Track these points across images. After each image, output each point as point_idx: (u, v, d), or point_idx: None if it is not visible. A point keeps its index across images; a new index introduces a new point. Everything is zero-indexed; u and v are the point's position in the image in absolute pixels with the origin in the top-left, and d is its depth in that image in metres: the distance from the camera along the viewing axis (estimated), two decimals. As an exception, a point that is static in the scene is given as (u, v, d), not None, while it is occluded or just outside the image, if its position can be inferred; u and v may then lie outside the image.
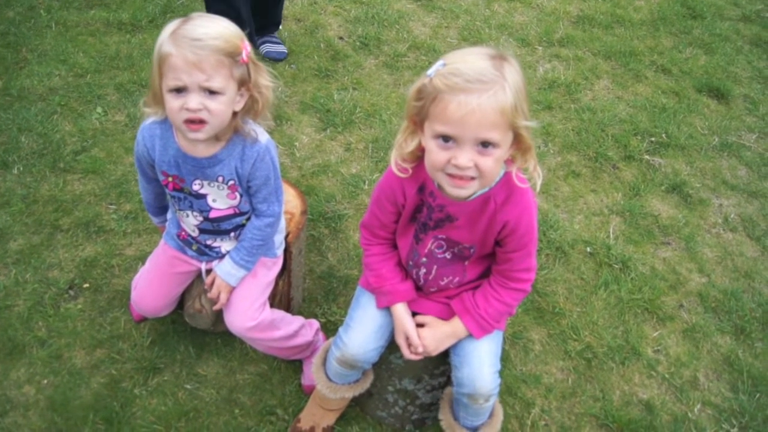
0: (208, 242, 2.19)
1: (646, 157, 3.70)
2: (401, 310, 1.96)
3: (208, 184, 2.03)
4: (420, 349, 1.93)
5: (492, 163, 1.62)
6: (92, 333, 2.55)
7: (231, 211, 2.11)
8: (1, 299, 2.61)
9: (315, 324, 2.45)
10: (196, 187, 2.04)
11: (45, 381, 2.39)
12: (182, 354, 2.52)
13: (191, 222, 2.14)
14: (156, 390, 2.40)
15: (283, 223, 2.27)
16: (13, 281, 2.68)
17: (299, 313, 2.68)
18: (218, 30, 1.77)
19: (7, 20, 4.10)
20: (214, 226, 2.14)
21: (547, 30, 4.69)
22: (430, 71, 1.61)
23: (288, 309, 2.57)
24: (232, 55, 1.78)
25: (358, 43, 4.31)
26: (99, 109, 3.52)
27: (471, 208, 1.79)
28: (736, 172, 3.71)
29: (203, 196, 2.07)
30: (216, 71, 1.76)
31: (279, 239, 2.25)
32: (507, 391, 2.50)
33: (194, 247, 2.22)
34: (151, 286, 2.29)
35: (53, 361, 2.45)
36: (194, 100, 1.77)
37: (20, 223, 2.90)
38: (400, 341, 1.95)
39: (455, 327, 1.96)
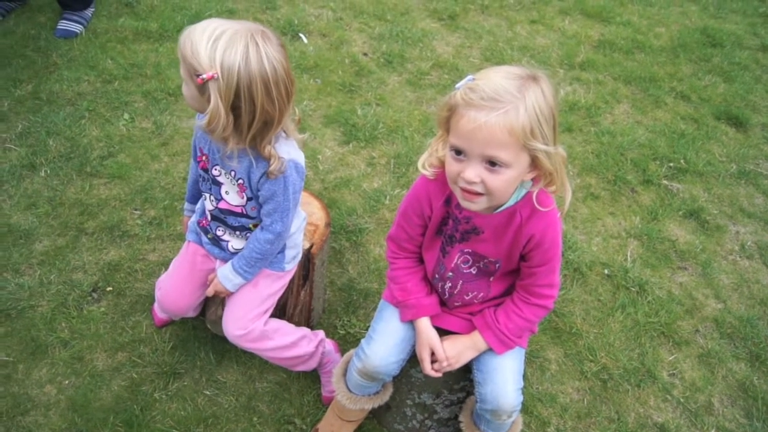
0: (218, 233, 2.22)
1: (665, 182, 3.72)
2: (425, 324, 1.99)
3: (225, 174, 2.07)
4: (445, 364, 1.95)
5: (501, 183, 1.64)
6: (114, 336, 2.58)
7: (238, 210, 2.13)
8: (25, 299, 2.65)
9: (319, 335, 2.44)
10: (215, 172, 2.08)
11: (66, 382, 2.43)
12: (202, 360, 2.54)
13: (208, 206, 2.19)
14: (176, 395, 2.43)
15: (298, 239, 2.27)
16: (37, 282, 2.72)
17: (319, 324, 2.71)
18: (196, 43, 1.77)
19: (39, 25, 4.17)
20: (222, 217, 2.17)
21: (569, 53, 4.73)
22: (459, 84, 1.64)
23: (308, 320, 2.60)
24: (191, 69, 1.79)
25: (382, 60, 4.36)
26: (126, 116, 3.57)
27: (497, 221, 1.82)
28: (753, 200, 3.72)
29: (219, 184, 2.10)
30: (182, 65, 1.83)
31: (290, 254, 2.26)
32: (523, 410, 2.51)
33: (209, 236, 2.25)
34: (176, 285, 2.32)
35: (75, 363, 2.48)
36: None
37: (46, 225, 2.94)
38: (424, 355, 1.97)
39: (475, 340, 1.98)
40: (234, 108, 1.81)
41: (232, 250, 2.22)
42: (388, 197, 3.32)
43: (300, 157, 2.03)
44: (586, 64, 4.65)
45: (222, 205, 2.13)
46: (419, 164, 1.85)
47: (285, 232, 2.10)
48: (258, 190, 2.03)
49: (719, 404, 2.67)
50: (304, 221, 2.31)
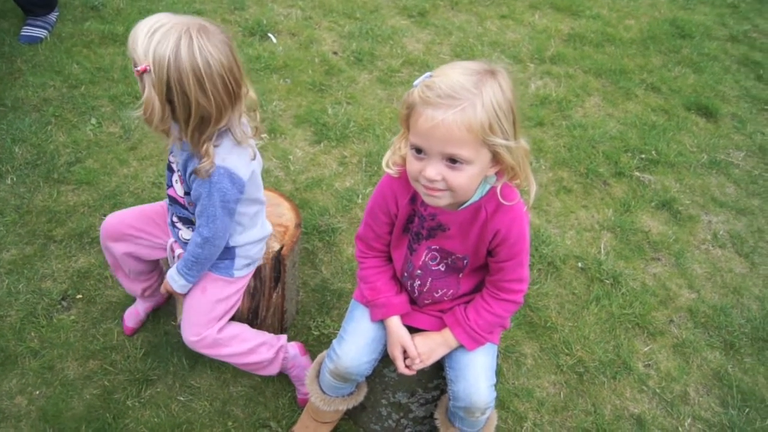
0: (173, 217, 2.21)
1: (636, 173, 3.73)
2: (396, 323, 1.98)
3: (176, 163, 2.06)
4: (417, 361, 1.94)
5: (463, 180, 1.63)
6: (85, 344, 2.54)
7: (181, 200, 2.12)
8: (-7, 310, 2.61)
9: (281, 340, 2.39)
10: (171, 157, 2.09)
11: (37, 392, 2.39)
12: (175, 366, 2.51)
13: (170, 194, 2.19)
14: (149, 402, 2.40)
15: (252, 250, 2.23)
16: (5, 292, 2.67)
17: (293, 325, 2.69)
18: (135, 36, 1.79)
19: (2, 30, 4.10)
20: (171, 205, 2.18)
21: (539, 47, 4.74)
22: (417, 82, 1.63)
23: (282, 321, 2.58)
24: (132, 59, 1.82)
25: (352, 58, 4.34)
26: (93, 121, 3.53)
27: (462, 217, 1.81)
28: (725, 189, 3.75)
29: (172, 171, 2.11)
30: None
31: (241, 262, 2.22)
32: (499, 405, 2.51)
33: (171, 216, 2.24)
34: (125, 211, 2.34)
35: (46, 372, 2.44)
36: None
37: (13, 234, 2.90)
38: (396, 354, 1.96)
39: (446, 337, 1.97)
40: (169, 101, 1.82)
41: (183, 239, 2.21)
42: (360, 196, 3.31)
43: (240, 167, 1.98)
44: (556, 58, 4.66)
45: (171, 192, 2.14)
46: (383, 163, 1.83)
47: (214, 239, 2.05)
48: (190, 187, 2.02)
49: (695, 393, 2.68)
50: (265, 235, 2.27)
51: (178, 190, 2.11)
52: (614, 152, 3.83)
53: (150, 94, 1.78)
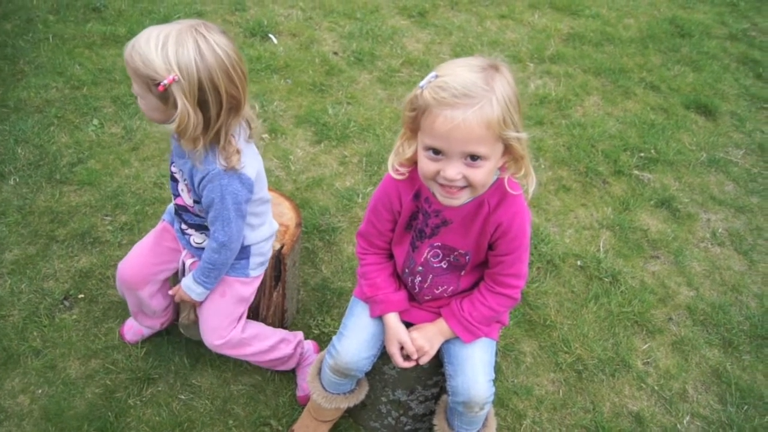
0: (183, 226, 2.22)
1: (636, 172, 3.75)
2: (393, 320, 1.99)
3: (179, 173, 2.07)
4: (415, 356, 1.95)
5: (482, 175, 1.65)
6: (87, 343, 2.56)
7: (190, 208, 2.13)
8: (-4, 309, 2.63)
9: (298, 336, 2.47)
10: (174, 168, 2.09)
11: (39, 391, 2.41)
12: (177, 365, 2.53)
13: (179, 203, 2.19)
14: (150, 400, 2.42)
15: (265, 247, 2.26)
16: (8, 291, 2.69)
17: (293, 324, 2.70)
18: (145, 54, 1.76)
19: (5, 32, 4.13)
20: (181, 213, 2.18)
21: (539, 47, 4.76)
22: (423, 83, 1.64)
23: (282, 320, 2.59)
24: (147, 81, 1.79)
25: (352, 59, 4.35)
26: (95, 122, 3.55)
27: (465, 211, 1.83)
28: (724, 187, 3.76)
29: (176, 181, 2.11)
30: (134, 81, 1.83)
31: (256, 261, 2.25)
32: (499, 403, 2.53)
33: (180, 224, 2.25)
34: (138, 251, 2.31)
35: (48, 371, 2.46)
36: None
37: (16, 234, 2.92)
38: (393, 350, 1.97)
39: (441, 327, 1.99)
40: (201, 103, 1.81)
41: (194, 245, 2.22)
42: (360, 195, 3.32)
43: (247, 167, 1.99)
44: (555, 58, 4.67)
45: (178, 201, 2.15)
46: (389, 167, 1.85)
47: (230, 243, 2.06)
48: (200, 195, 2.02)
49: (693, 391, 2.69)
50: (273, 232, 2.30)
51: (186, 199, 2.12)
52: (613, 151, 3.85)
53: (183, 102, 1.77)
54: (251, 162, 2.02)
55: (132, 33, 4.14)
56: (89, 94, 3.74)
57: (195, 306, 2.27)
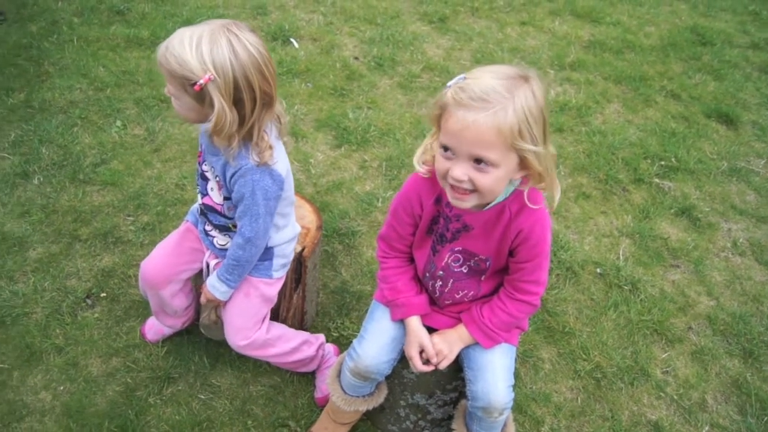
0: (207, 227, 2.24)
1: (656, 180, 3.73)
2: (415, 323, 2.00)
3: (211, 171, 2.08)
4: (435, 359, 1.96)
5: (489, 181, 1.64)
6: (108, 342, 2.59)
7: (218, 207, 2.13)
8: (19, 306, 2.66)
9: (320, 338, 2.49)
10: (204, 167, 2.10)
11: (61, 388, 2.43)
12: (197, 364, 2.55)
13: (198, 200, 2.21)
14: (170, 399, 2.44)
15: (288, 249, 2.27)
16: (31, 289, 2.73)
17: (313, 326, 2.71)
18: (180, 54, 1.79)
19: (30, 34, 4.18)
20: (207, 213, 2.19)
21: (559, 54, 4.76)
22: (450, 82, 1.66)
23: (302, 322, 2.61)
24: (183, 81, 1.81)
25: (373, 64, 4.37)
26: (118, 123, 3.59)
27: (486, 217, 1.83)
28: (745, 197, 3.74)
29: (206, 179, 2.12)
30: (169, 82, 1.86)
31: (279, 262, 2.26)
32: (517, 409, 2.52)
33: (204, 225, 2.26)
34: (161, 251, 2.32)
35: (70, 369, 2.49)
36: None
37: (40, 233, 2.95)
38: (412, 353, 1.98)
39: (461, 333, 1.99)
40: (236, 101, 1.84)
41: (218, 246, 2.23)
42: (380, 200, 3.34)
43: (281, 165, 2.02)
44: (576, 65, 4.67)
45: (206, 200, 2.15)
46: (415, 161, 1.86)
47: (256, 239, 2.07)
48: (231, 191, 2.04)
49: (713, 401, 2.68)
50: (296, 234, 2.31)
51: (215, 197, 2.13)
52: (634, 159, 3.84)
53: (220, 101, 1.80)
54: (283, 159, 2.04)
55: (155, 36, 4.23)
56: (112, 95, 3.78)
57: (219, 306, 2.28)
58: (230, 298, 2.23)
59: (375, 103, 4.01)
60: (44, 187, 3.16)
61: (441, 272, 1.97)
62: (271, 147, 1.96)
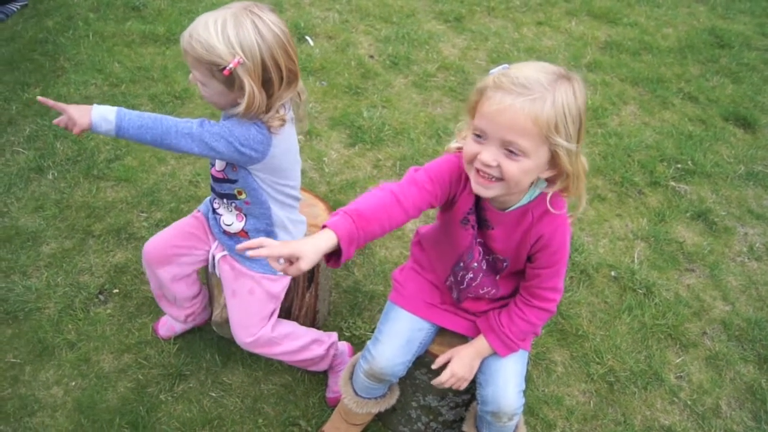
0: (215, 205, 2.23)
1: (672, 183, 3.70)
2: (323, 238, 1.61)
3: None
4: (453, 381, 1.96)
5: (517, 170, 1.61)
6: (120, 338, 2.59)
7: (221, 175, 2.10)
8: (32, 301, 2.66)
9: (332, 337, 2.45)
10: None
11: (73, 383, 2.44)
12: (208, 362, 2.55)
13: (212, 173, 2.18)
14: (181, 396, 2.44)
15: None
16: (44, 284, 2.73)
17: (324, 325, 2.71)
18: (206, 40, 1.78)
19: (46, 29, 4.20)
20: (214, 186, 2.17)
21: (575, 55, 4.73)
22: (494, 70, 1.65)
23: (314, 321, 2.60)
24: (211, 67, 1.81)
25: (388, 62, 4.36)
26: (133, 119, 3.58)
27: (508, 219, 1.81)
28: (762, 201, 3.70)
29: None
30: (196, 69, 1.85)
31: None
32: (529, 412, 2.51)
33: (212, 202, 2.26)
34: (163, 232, 2.33)
35: (82, 364, 2.49)
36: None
37: (53, 228, 2.96)
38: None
39: (477, 346, 1.98)
40: (265, 82, 1.85)
41: (224, 226, 2.21)
42: (393, 199, 3.32)
43: (279, 138, 1.97)
44: (592, 66, 4.64)
45: (213, 171, 2.14)
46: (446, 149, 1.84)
47: (199, 135, 1.90)
48: None
49: (727, 407, 2.65)
50: (304, 227, 2.31)
51: (218, 164, 2.10)
52: (650, 161, 3.81)
53: (250, 84, 1.81)
54: (286, 139, 2.02)
55: (171, 32, 4.24)
56: (127, 91, 3.79)
57: (227, 305, 2.27)
58: (236, 295, 2.22)
59: (389, 102, 4.00)
60: (58, 183, 3.17)
61: (475, 264, 1.94)
62: (282, 119, 1.94)
